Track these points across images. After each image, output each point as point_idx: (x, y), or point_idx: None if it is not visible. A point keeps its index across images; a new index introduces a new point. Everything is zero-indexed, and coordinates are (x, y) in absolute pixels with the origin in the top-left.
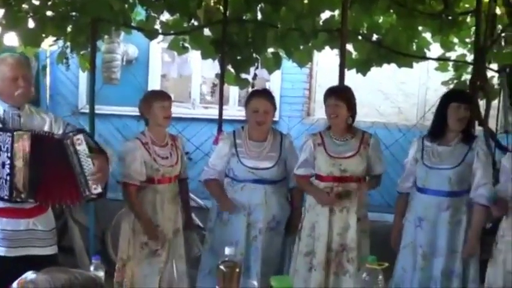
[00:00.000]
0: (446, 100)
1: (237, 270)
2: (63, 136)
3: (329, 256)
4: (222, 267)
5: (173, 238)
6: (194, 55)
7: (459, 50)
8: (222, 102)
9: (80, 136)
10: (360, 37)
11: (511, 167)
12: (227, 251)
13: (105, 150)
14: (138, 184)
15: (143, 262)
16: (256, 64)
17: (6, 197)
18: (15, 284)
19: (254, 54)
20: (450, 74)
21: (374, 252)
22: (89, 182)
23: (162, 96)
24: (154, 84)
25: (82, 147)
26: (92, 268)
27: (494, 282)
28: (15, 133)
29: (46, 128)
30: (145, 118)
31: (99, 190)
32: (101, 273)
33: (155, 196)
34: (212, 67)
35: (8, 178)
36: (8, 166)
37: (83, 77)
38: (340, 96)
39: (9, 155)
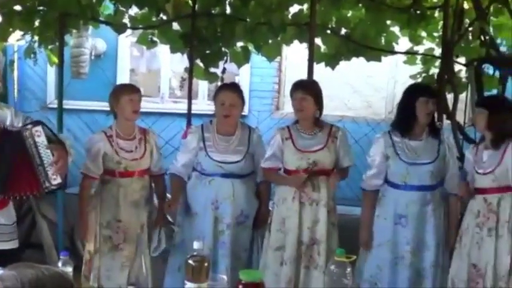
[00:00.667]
0: (413, 95)
1: (206, 264)
2: (22, 128)
3: (300, 250)
4: (190, 261)
5: (140, 233)
6: (163, 49)
7: (427, 44)
8: (190, 96)
9: (39, 128)
10: (328, 31)
11: (473, 159)
12: (195, 245)
13: (63, 141)
14: (95, 177)
15: (107, 256)
16: (225, 58)
17: None
18: None
19: (223, 48)
20: (418, 67)
21: (342, 245)
22: (48, 172)
23: (130, 89)
24: (123, 78)
25: (41, 139)
26: (60, 264)
27: (458, 274)
28: None
29: (8, 122)
30: (114, 111)
31: (59, 180)
32: (69, 269)
33: (118, 190)
34: (181, 61)
35: None
36: None
37: (51, 71)
38: (307, 90)
39: None
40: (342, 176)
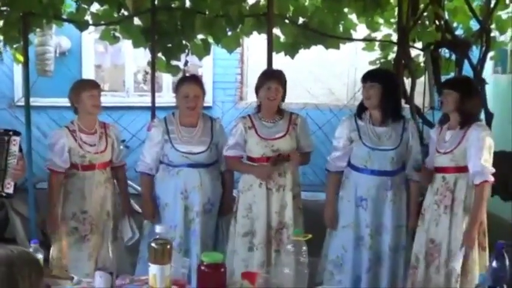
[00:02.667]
0: (362, 80)
1: (168, 247)
2: (3, 132)
3: (269, 234)
4: (153, 244)
5: (106, 221)
6: (127, 44)
7: (385, 30)
8: (154, 89)
9: (17, 138)
10: (286, 21)
11: (436, 138)
12: (158, 229)
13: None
14: (63, 171)
15: (73, 247)
16: (186, 51)
17: None
18: None
19: (184, 41)
20: (377, 53)
21: (309, 229)
22: (5, 180)
23: (90, 85)
24: (88, 74)
25: (14, 148)
26: (30, 250)
27: (419, 249)
28: None
29: None
30: (74, 107)
31: (11, 191)
32: (40, 256)
33: (83, 182)
34: (145, 55)
35: None
36: None
37: (18, 70)
38: (280, 80)
39: None
40: (303, 161)
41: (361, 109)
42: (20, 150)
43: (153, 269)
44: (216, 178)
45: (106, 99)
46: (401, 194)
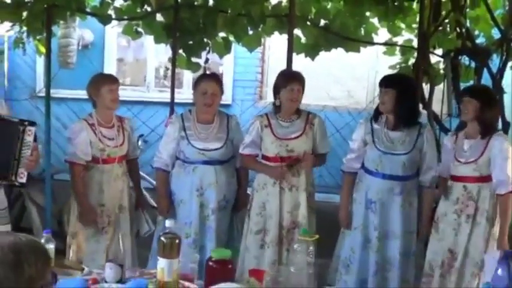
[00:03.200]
0: (379, 85)
1: (177, 241)
2: (19, 122)
3: (281, 233)
4: (162, 238)
5: (118, 214)
6: (149, 40)
7: (406, 35)
8: (173, 85)
9: (33, 128)
10: (308, 22)
11: (452, 146)
12: (167, 223)
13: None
14: (84, 164)
15: (90, 240)
16: (207, 48)
17: None
18: None
19: (205, 39)
20: (398, 58)
21: (324, 230)
22: (19, 170)
23: (110, 80)
24: (110, 68)
25: (29, 139)
26: (43, 241)
27: (434, 257)
28: None
29: None
30: (93, 100)
31: (24, 180)
32: (51, 246)
33: (101, 176)
34: (166, 51)
35: None
36: None
37: (40, 61)
38: (301, 81)
39: None
40: (319, 162)
41: (377, 112)
42: (35, 140)
43: (162, 262)
44: (231, 175)
45: (126, 94)
46: (412, 199)
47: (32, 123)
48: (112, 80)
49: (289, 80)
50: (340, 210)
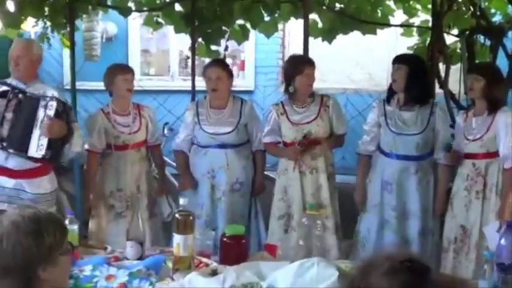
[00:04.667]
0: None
1: (191, 218)
2: (41, 97)
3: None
4: (177, 216)
5: (137, 197)
6: (171, 30)
7: (422, 16)
8: (194, 73)
9: (54, 103)
10: (323, 7)
11: (463, 124)
12: (181, 201)
13: (71, 127)
14: (99, 151)
15: (111, 223)
16: (225, 36)
17: None
18: None
19: (223, 27)
20: (416, 39)
21: (346, 212)
22: (40, 141)
23: (124, 69)
24: (134, 59)
25: (50, 112)
26: (66, 222)
27: (449, 235)
28: (14, 90)
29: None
30: (109, 90)
31: (43, 153)
32: (75, 227)
33: (118, 162)
34: (189, 40)
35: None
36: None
37: (67, 55)
38: (314, 65)
39: (3, 108)
40: (337, 144)
41: (390, 93)
42: (58, 116)
43: (177, 238)
44: (245, 158)
45: (152, 83)
46: (429, 178)
47: (53, 98)
48: (126, 69)
49: (305, 65)
50: (356, 192)
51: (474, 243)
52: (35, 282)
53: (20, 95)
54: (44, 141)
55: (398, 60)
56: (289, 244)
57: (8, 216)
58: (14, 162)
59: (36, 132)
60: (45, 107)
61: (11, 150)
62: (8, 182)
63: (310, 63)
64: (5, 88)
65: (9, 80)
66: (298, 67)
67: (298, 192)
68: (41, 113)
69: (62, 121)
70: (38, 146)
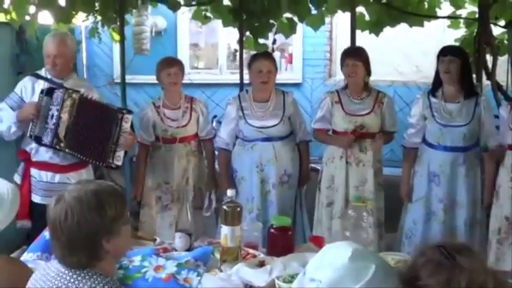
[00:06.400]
0: (437, 56)
1: (238, 209)
2: (118, 110)
3: (348, 207)
4: (224, 207)
5: (185, 190)
6: (220, 24)
7: (469, 7)
8: (242, 67)
9: (130, 116)
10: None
11: (507, 115)
12: (228, 193)
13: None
14: (148, 144)
15: (158, 216)
16: (273, 29)
17: (48, 143)
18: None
19: (270, 20)
20: (463, 31)
21: (391, 204)
22: (116, 153)
23: (167, 63)
24: (183, 53)
25: (127, 125)
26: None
27: (493, 226)
28: (67, 91)
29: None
30: (160, 83)
31: (120, 163)
32: None
33: (166, 155)
34: (237, 34)
35: (53, 127)
36: (55, 117)
37: (117, 49)
38: (357, 57)
39: (58, 108)
40: (386, 140)
41: (435, 86)
42: (131, 127)
43: (225, 229)
44: (291, 150)
45: (201, 77)
46: (476, 169)
47: (130, 112)
48: (170, 63)
49: (343, 56)
50: (402, 184)
51: None
52: (101, 253)
53: (74, 95)
54: (121, 153)
55: (452, 52)
56: (331, 232)
57: (70, 192)
58: (59, 158)
59: (112, 144)
60: (122, 119)
61: (69, 151)
62: (54, 177)
63: (349, 55)
64: (45, 84)
65: (43, 73)
66: (341, 59)
67: (342, 182)
68: (116, 126)
69: (133, 134)
70: (115, 157)
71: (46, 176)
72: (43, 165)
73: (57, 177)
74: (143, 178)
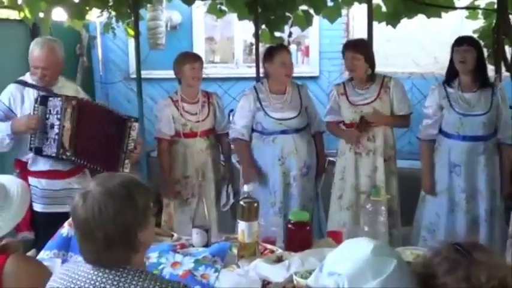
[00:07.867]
0: (452, 46)
1: (255, 205)
2: (127, 118)
3: (359, 198)
4: (241, 203)
5: (204, 185)
6: (236, 17)
7: None
8: (258, 60)
9: (137, 124)
10: None
11: None
12: (246, 188)
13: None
14: (168, 138)
15: (177, 210)
16: (289, 22)
17: (53, 154)
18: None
19: (286, 13)
20: (481, 22)
21: (407, 195)
22: (125, 161)
23: (192, 58)
24: (199, 47)
25: (134, 133)
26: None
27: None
28: (66, 98)
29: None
30: (178, 78)
31: (128, 170)
32: None
33: (185, 149)
34: (253, 27)
35: (57, 137)
36: (57, 127)
37: (132, 44)
38: (357, 49)
39: (59, 116)
40: (401, 123)
41: (449, 76)
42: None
43: (242, 225)
44: (308, 141)
45: (217, 71)
46: (495, 158)
47: (136, 120)
48: (193, 58)
49: (344, 49)
50: (424, 177)
51: None
52: (137, 244)
53: (73, 101)
54: (129, 161)
55: (467, 42)
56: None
57: (96, 188)
58: (61, 164)
59: (122, 152)
60: (130, 128)
61: (75, 159)
62: (58, 184)
63: (348, 48)
64: (34, 92)
65: (29, 79)
66: (342, 51)
67: (351, 173)
68: (125, 135)
69: (140, 141)
70: (124, 164)
71: (48, 183)
72: (43, 174)
73: (60, 184)
74: (169, 172)
